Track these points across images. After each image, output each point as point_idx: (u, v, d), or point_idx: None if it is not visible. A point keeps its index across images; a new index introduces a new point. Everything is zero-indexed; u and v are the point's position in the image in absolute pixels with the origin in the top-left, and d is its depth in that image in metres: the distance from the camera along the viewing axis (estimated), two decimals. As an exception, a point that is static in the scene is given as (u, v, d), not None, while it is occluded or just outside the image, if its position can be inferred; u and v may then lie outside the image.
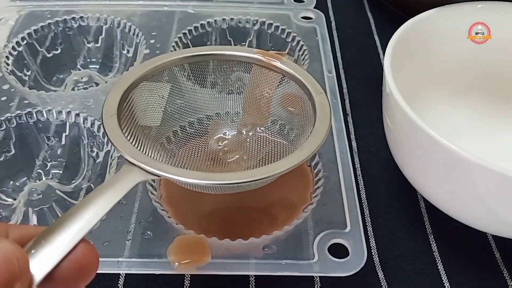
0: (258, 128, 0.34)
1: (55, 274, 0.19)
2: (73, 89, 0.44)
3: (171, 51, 0.43)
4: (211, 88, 0.35)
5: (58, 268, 0.19)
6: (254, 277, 0.32)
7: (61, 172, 0.38)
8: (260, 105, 0.34)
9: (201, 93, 0.35)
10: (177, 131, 0.34)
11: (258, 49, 0.33)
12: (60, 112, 0.37)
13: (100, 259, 0.29)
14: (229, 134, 0.35)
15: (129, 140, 0.27)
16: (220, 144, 0.35)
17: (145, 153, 0.28)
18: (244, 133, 0.34)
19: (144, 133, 0.30)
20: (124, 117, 0.29)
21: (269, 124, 0.34)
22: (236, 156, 0.34)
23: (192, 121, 0.35)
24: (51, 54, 0.45)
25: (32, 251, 0.19)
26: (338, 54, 0.48)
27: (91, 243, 0.20)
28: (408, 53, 0.36)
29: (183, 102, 0.34)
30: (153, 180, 0.34)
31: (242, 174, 0.27)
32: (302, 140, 0.29)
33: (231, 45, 0.47)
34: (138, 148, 0.28)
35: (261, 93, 0.34)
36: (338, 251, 0.30)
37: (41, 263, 0.19)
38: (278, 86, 0.33)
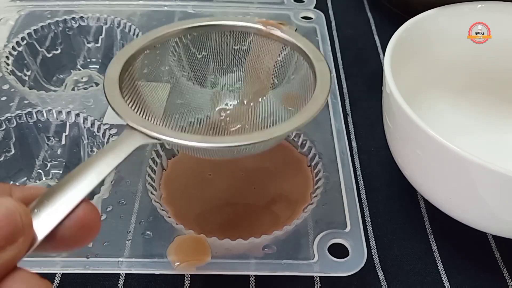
0: (260, 98, 0.34)
1: (57, 233, 0.19)
2: (73, 89, 0.44)
3: (171, 51, 0.43)
4: (212, 61, 0.35)
5: (60, 227, 0.19)
6: (254, 277, 0.32)
7: (61, 172, 0.38)
8: (261, 75, 0.34)
9: (202, 64, 0.35)
10: (179, 102, 0.34)
11: (259, 19, 0.33)
12: (60, 112, 0.37)
13: (100, 259, 0.29)
14: (231, 105, 0.35)
15: (130, 106, 0.27)
16: (222, 114, 0.34)
17: (146, 119, 0.28)
18: (246, 103, 0.34)
19: (145, 102, 0.30)
20: (126, 86, 0.29)
21: (270, 94, 0.34)
22: (238, 126, 0.33)
23: (194, 92, 0.34)
24: (51, 54, 0.45)
25: (35, 210, 0.19)
26: (338, 54, 0.48)
27: (93, 204, 0.21)
28: (408, 53, 0.36)
29: (184, 74, 0.34)
30: (153, 180, 0.34)
31: (242, 137, 0.27)
32: (302, 106, 0.29)
33: (231, 45, 0.47)
34: (139, 114, 0.28)
35: (262, 63, 0.34)
36: (338, 251, 0.30)
37: (43, 222, 0.19)
38: (279, 55, 0.33)
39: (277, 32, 0.32)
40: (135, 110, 0.28)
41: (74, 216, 0.20)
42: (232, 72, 0.35)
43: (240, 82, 0.35)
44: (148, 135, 0.25)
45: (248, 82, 0.35)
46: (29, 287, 0.18)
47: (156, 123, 0.29)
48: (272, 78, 0.34)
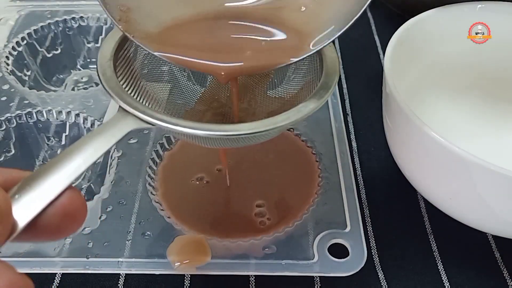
0: (262, 86, 0.33)
1: (40, 221, 0.18)
2: (73, 89, 0.44)
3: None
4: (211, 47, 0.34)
5: (43, 215, 0.18)
6: (254, 277, 0.32)
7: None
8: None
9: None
10: (175, 87, 0.32)
11: None
12: (60, 112, 0.37)
13: (100, 259, 0.29)
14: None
15: (124, 88, 0.25)
16: (224, 105, 0.33)
17: (141, 101, 0.26)
18: (248, 90, 0.33)
19: (141, 85, 0.29)
20: (121, 65, 0.27)
21: (273, 82, 0.33)
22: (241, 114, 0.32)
23: (191, 77, 0.33)
24: (51, 54, 0.45)
25: (16, 196, 0.18)
26: (338, 54, 0.48)
27: (79, 191, 0.19)
28: (408, 53, 0.36)
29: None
30: (153, 179, 0.34)
31: (242, 126, 0.25)
32: (308, 95, 0.28)
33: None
34: (134, 96, 0.26)
35: None
36: (338, 251, 0.30)
37: (25, 209, 0.18)
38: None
39: None
40: (130, 92, 0.26)
41: (58, 204, 0.18)
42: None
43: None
44: (142, 119, 0.23)
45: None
46: (5, 281, 0.16)
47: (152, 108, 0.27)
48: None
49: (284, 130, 0.30)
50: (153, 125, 0.23)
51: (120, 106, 0.24)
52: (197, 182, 0.34)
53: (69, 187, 0.19)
